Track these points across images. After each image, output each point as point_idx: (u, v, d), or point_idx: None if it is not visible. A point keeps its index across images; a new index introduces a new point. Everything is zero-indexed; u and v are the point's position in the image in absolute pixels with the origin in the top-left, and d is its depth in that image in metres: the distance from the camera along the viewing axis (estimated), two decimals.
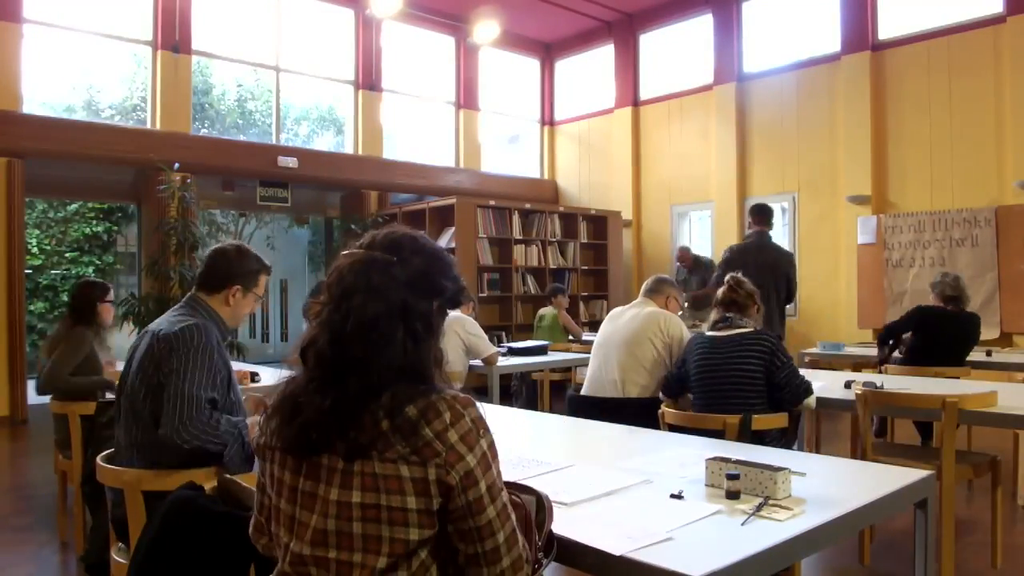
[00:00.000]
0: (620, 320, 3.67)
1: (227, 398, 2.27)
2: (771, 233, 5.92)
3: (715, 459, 1.81)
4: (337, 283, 1.24)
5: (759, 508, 1.60)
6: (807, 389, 3.09)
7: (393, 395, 1.18)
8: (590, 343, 4.04)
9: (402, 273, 1.25)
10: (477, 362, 4.93)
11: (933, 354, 4.71)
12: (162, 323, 2.28)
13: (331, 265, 1.30)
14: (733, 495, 1.68)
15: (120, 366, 3.86)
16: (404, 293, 1.23)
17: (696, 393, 3.22)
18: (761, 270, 5.25)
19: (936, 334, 4.78)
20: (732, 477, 1.70)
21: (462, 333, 4.97)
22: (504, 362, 5.14)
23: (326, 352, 1.21)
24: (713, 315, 3.32)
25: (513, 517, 1.24)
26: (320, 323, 1.24)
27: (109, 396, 3.73)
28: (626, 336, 3.56)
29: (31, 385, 7.59)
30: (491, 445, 1.23)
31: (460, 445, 1.18)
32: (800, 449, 3.74)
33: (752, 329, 3.17)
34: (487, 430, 1.23)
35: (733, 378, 3.08)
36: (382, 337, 1.20)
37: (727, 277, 3.39)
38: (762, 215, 5.90)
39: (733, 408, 3.00)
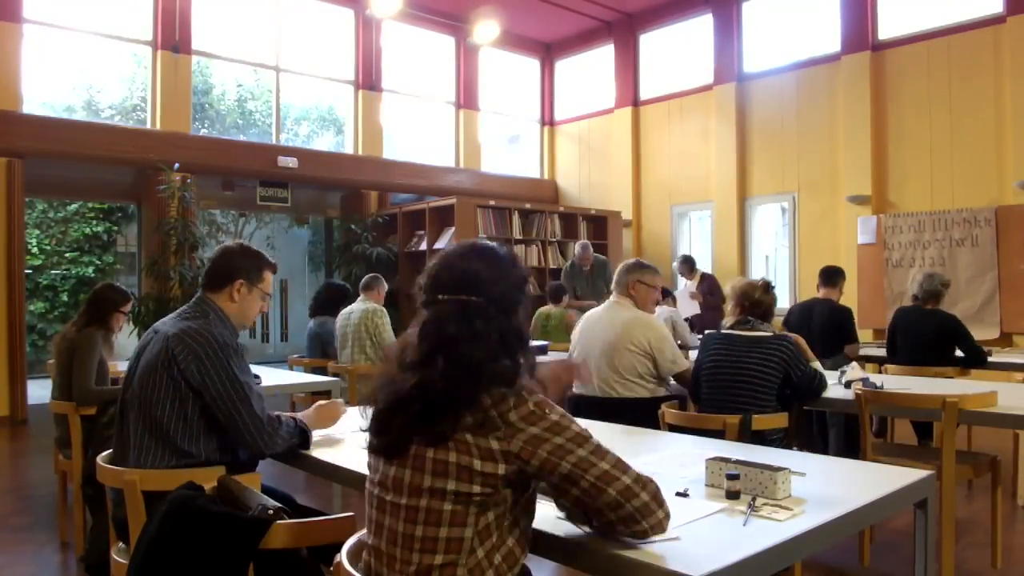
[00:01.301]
0: (597, 327, 3.57)
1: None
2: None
3: (715, 459, 1.81)
4: (436, 331, 1.42)
5: (751, 507, 1.60)
6: (824, 385, 3.17)
7: (471, 392, 1.37)
8: None
9: (494, 308, 1.44)
10: None
11: (909, 353, 4.75)
12: (171, 325, 2.24)
13: (421, 310, 1.50)
14: (733, 495, 1.68)
15: (122, 366, 3.89)
16: (498, 324, 1.43)
17: (705, 389, 3.22)
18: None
19: (909, 333, 4.82)
20: (732, 477, 1.70)
21: None
22: None
23: (441, 393, 1.37)
24: (733, 312, 3.32)
25: (614, 457, 1.37)
26: (424, 366, 1.41)
27: None
28: (604, 349, 3.46)
29: (31, 385, 7.63)
30: (562, 416, 1.38)
31: (520, 422, 1.35)
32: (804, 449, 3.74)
33: (773, 334, 3.18)
34: (552, 409, 1.39)
35: (745, 377, 3.09)
36: (486, 370, 1.38)
37: (761, 279, 3.40)
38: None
39: (741, 406, 3.01)
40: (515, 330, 1.46)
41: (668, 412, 3.08)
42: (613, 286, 3.68)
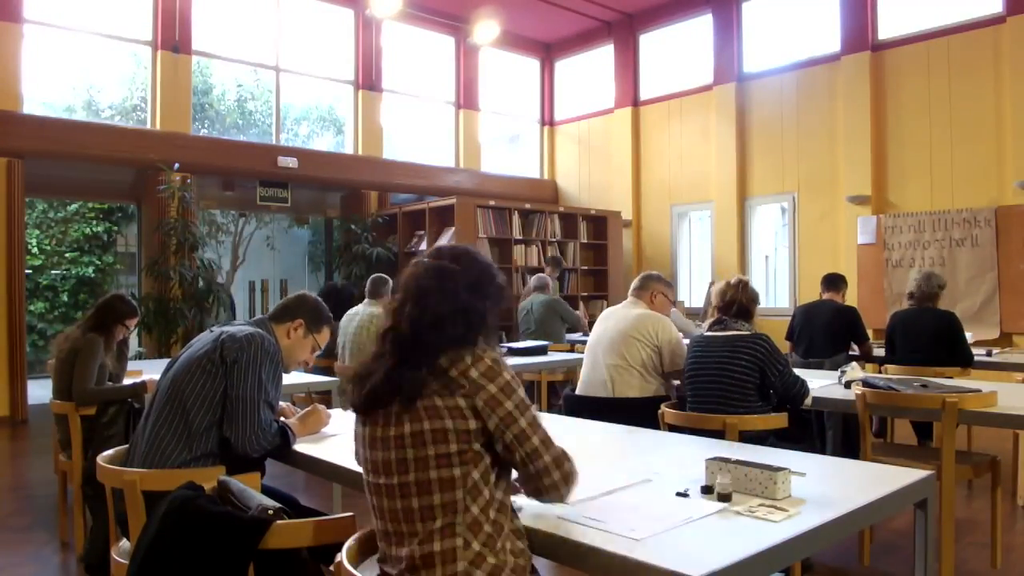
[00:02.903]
0: (609, 321, 3.66)
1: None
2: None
3: (715, 459, 1.81)
4: (414, 284, 1.57)
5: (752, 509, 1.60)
6: (805, 393, 3.11)
7: (431, 355, 1.49)
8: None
9: (464, 279, 1.57)
10: None
11: (908, 354, 4.74)
12: (230, 328, 2.39)
13: (405, 269, 1.63)
14: (725, 498, 1.67)
15: (145, 377, 3.90)
16: (465, 295, 1.55)
17: (690, 392, 3.22)
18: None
19: (908, 334, 4.82)
20: (723, 485, 1.69)
21: None
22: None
23: (406, 337, 1.52)
24: (712, 314, 3.33)
25: (545, 431, 1.53)
26: (396, 313, 1.56)
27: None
28: (613, 337, 3.54)
29: (31, 385, 7.63)
30: (512, 377, 1.52)
31: (481, 379, 1.47)
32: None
33: (749, 332, 3.16)
34: (505, 367, 1.52)
35: (721, 379, 3.08)
36: (447, 328, 1.51)
37: (735, 277, 3.37)
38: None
39: (724, 408, 3.00)
40: (479, 311, 1.57)
41: (668, 412, 3.09)
42: (632, 291, 3.77)
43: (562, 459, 1.55)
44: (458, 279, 1.58)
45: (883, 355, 5.12)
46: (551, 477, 1.52)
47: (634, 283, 3.81)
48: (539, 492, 1.54)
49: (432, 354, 1.49)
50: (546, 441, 1.53)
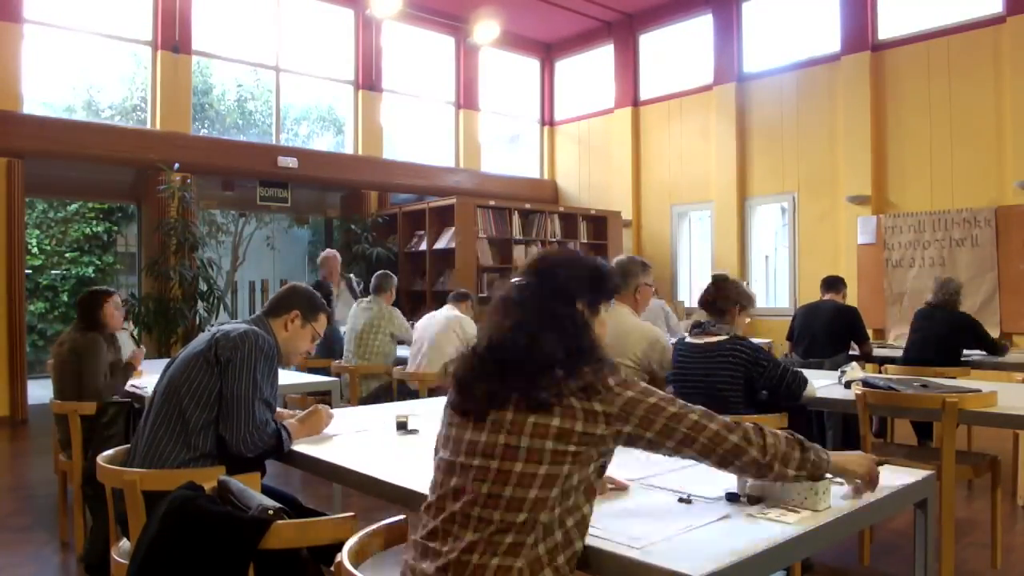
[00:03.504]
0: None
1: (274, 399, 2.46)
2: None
3: None
4: (501, 304, 1.61)
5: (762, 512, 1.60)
6: (801, 383, 3.04)
7: (569, 367, 1.49)
8: None
9: (545, 290, 1.59)
10: None
11: (923, 352, 4.80)
12: (225, 327, 2.39)
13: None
14: (755, 500, 1.65)
15: (146, 377, 3.95)
16: (548, 305, 1.56)
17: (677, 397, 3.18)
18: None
19: (924, 333, 4.87)
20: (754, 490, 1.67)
21: (460, 333, 5.00)
22: None
23: (485, 351, 1.56)
24: (694, 317, 3.25)
25: (699, 414, 1.53)
26: (489, 328, 1.60)
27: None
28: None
29: (31, 385, 7.63)
30: (647, 385, 1.54)
31: (617, 388, 1.49)
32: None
33: (727, 337, 3.04)
34: (637, 383, 1.54)
35: (706, 386, 3.01)
36: (533, 337, 1.52)
37: (715, 274, 3.25)
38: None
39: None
40: (573, 319, 1.58)
41: None
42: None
43: (729, 424, 1.54)
44: (537, 292, 1.59)
45: (884, 355, 5.14)
46: (728, 439, 1.51)
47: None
48: (724, 460, 1.53)
49: (525, 366, 1.49)
50: (704, 415, 1.53)
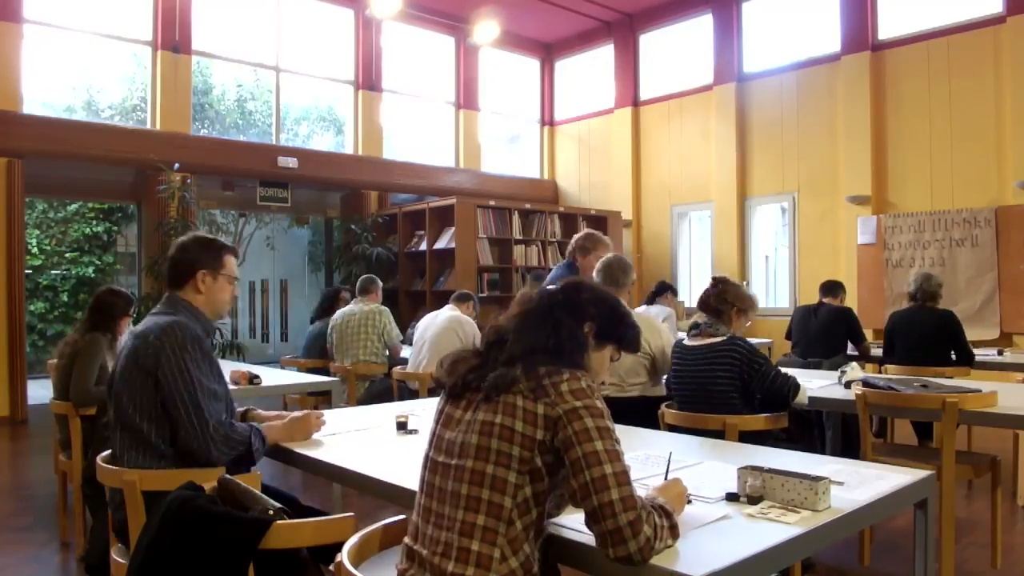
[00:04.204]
0: None
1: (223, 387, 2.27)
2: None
3: (747, 468, 1.73)
4: (519, 301, 1.65)
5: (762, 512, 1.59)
6: (792, 387, 3.03)
7: (529, 362, 1.48)
8: None
9: (561, 296, 1.63)
10: None
11: (907, 352, 4.77)
12: (143, 324, 2.23)
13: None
14: (755, 500, 1.65)
15: None
16: (553, 306, 1.60)
17: (678, 398, 3.21)
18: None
19: (908, 333, 4.84)
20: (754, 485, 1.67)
21: (460, 333, 5.01)
22: None
23: (487, 334, 1.61)
24: (694, 318, 3.29)
25: (626, 467, 1.38)
26: (498, 322, 1.62)
27: None
28: None
29: (31, 385, 7.63)
30: (605, 409, 1.44)
31: (569, 395, 1.41)
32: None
33: (724, 338, 3.08)
34: (600, 398, 1.45)
35: (704, 388, 3.05)
36: (527, 329, 1.55)
37: (713, 276, 3.32)
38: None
39: (712, 413, 2.99)
40: (576, 334, 1.58)
41: (668, 412, 3.08)
42: (612, 285, 3.61)
43: (636, 507, 1.32)
44: (555, 299, 1.63)
45: (881, 355, 5.14)
46: (616, 520, 1.31)
47: (617, 279, 3.57)
48: (603, 540, 1.33)
49: (527, 356, 1.49)
50: (621, 476, 1.35)
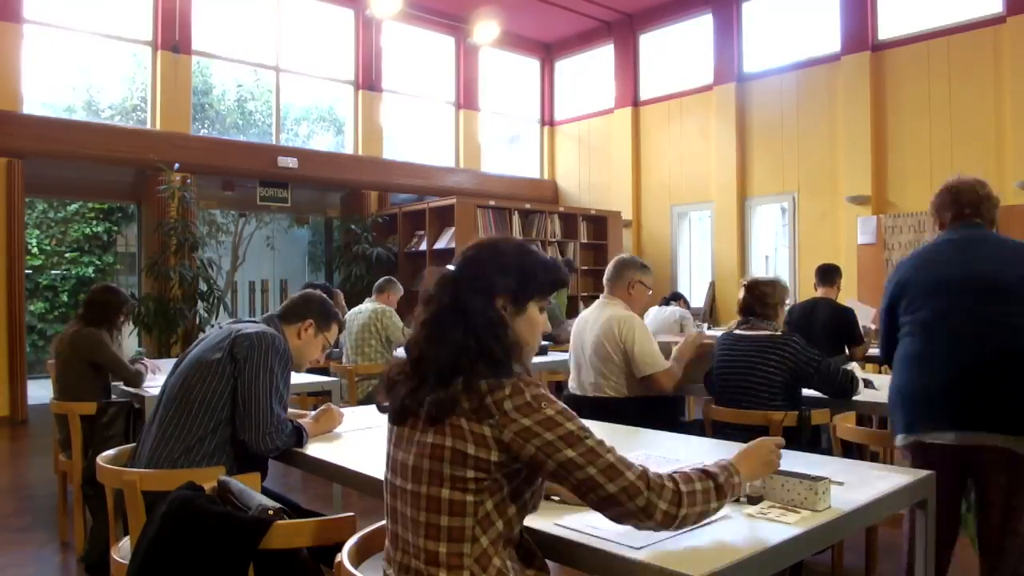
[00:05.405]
0: (585, 327, 3.51)
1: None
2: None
3: None
4: (422, 297, 1.51)
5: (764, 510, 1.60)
6: (847, 384, 3.08)
7: (468, 376, 1.37)
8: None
9: (458, 278, 1.46)
10: None
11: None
12: (243, 324, 2.40)
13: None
14: (755, 500, 1.65)
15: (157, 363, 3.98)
16: (457, 295, 1.44)
17: (720, 389, 3.22)
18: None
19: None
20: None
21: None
22: None
23: (409, 350, 1.49)
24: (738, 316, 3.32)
25: (612, 460, 1.34)
26: (413, 333, 1.51)
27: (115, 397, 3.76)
28: (593, 348, 3.41)
29: (31, 385, 7.62)
30: (559, 412, 1.37)
31: (513, 412, 1.35)
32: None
33: (779, 332, 3.13)
34: (550, 402, 1.38)
35: (749, 379, 3.08)
36: (441, 336, 1.42)
37: (744, 280, 3.35)
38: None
39: (746, 406, 3.00)
40: (487, 317, 1.44)
41: (713, 409, 3.09)
42: (607, 282, 3.55)
43: (642, 491, 1.32)
44: (449, 279, 1.47)
45: (873, 355, 5.16)
46: (624, 508, 1.33)
47: (608, 272, 3.56)
48: (621, 523, 1.37)
49: (439, 366, 1.39)
50: (608, 471, 1.33)
